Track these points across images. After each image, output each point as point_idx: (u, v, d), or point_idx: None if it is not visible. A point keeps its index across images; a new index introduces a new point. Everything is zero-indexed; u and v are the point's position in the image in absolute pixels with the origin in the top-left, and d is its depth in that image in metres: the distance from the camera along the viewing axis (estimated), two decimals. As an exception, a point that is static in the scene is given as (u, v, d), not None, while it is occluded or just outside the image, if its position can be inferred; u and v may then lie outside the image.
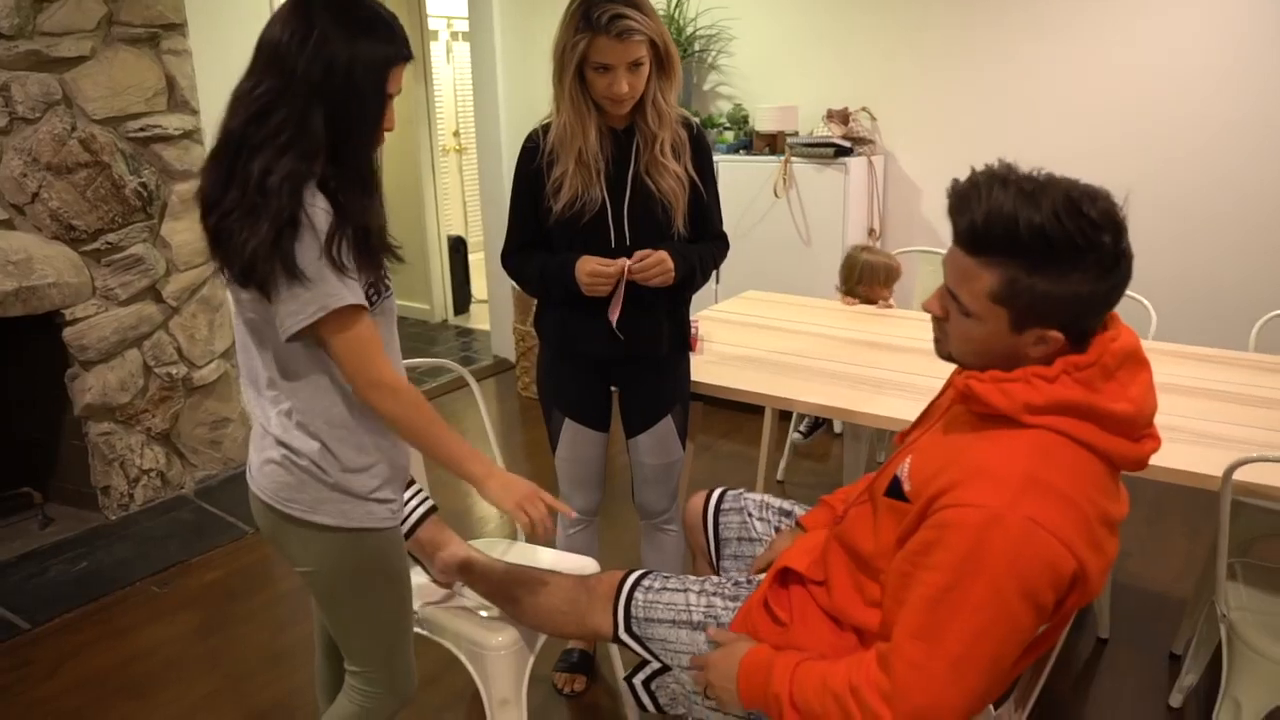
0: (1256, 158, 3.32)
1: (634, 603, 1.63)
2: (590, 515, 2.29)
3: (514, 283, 2.15)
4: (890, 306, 3.24)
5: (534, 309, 2.19)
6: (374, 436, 1.47)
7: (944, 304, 1.29)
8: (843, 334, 2.77)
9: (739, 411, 4.13)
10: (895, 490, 1.34)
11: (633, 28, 1.79)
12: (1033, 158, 3.72)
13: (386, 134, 1.43)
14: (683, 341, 2.16)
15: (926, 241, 3.93)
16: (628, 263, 1.92)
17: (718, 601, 1.58)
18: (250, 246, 1.28)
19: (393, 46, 1.36)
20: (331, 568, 1.49)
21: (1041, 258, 1.15)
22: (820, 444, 3.91)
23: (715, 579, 1.66)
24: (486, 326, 5.30)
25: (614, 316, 1.97)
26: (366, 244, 1.39)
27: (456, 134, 6.68)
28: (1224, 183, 3.41)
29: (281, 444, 1.45)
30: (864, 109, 3.95)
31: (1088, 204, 1.15)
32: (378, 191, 1.43)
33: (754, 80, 4.19)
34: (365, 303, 1.37)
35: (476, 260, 6.10)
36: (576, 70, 1.86)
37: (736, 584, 1.62)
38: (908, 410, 2.14)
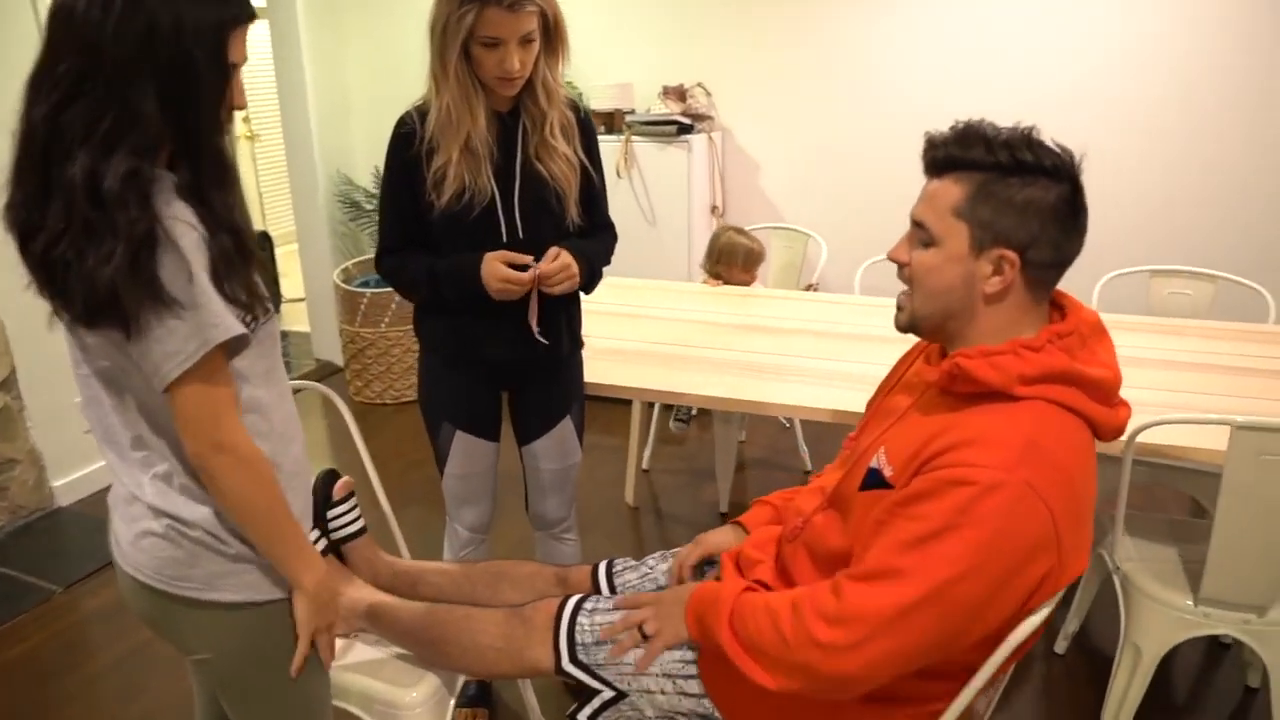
0: (1095, 124, 3.54)
1: (578, 629, 1.48)
2: (483, 532, 2.10)
3: (391, 286, 1.90)
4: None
5: (409, 312, 1.96)
6: (280, 476, 1.23)
7: (906, 249, 1.30)
8: (716, 318, 2.70)
9: (598, 401, 4.01)
10: (875, 481, 1.29)
11: None
12: (866, 130, 3.86)
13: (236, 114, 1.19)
14: (577, 339, 2.00)
15: (765, 217, 3.95)
16: (539, 269, 1.75)
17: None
18: (103, 276, 1.02)
19: (226, 6, 1.11)
20: (239, 651, 1.25)
21: (1009, 167, 1.20)
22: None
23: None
24: (305, 328, 4.88)
25: (534, 323, 1.79)
26: (240, 252, 1.15)
27: (248, 120, 6.10)
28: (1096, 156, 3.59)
29: (162, 513, 1.19)
30: (699, 85, 3.90)
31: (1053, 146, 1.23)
32: (237, 185, 1.19)
33: (583, 56, 4.03)
34: (246, 331, 1.13)
35: (287, 255, 5.60)
36: (462, 46, 1.66)
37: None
38: (815, 396, 2.10)
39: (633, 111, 3.83)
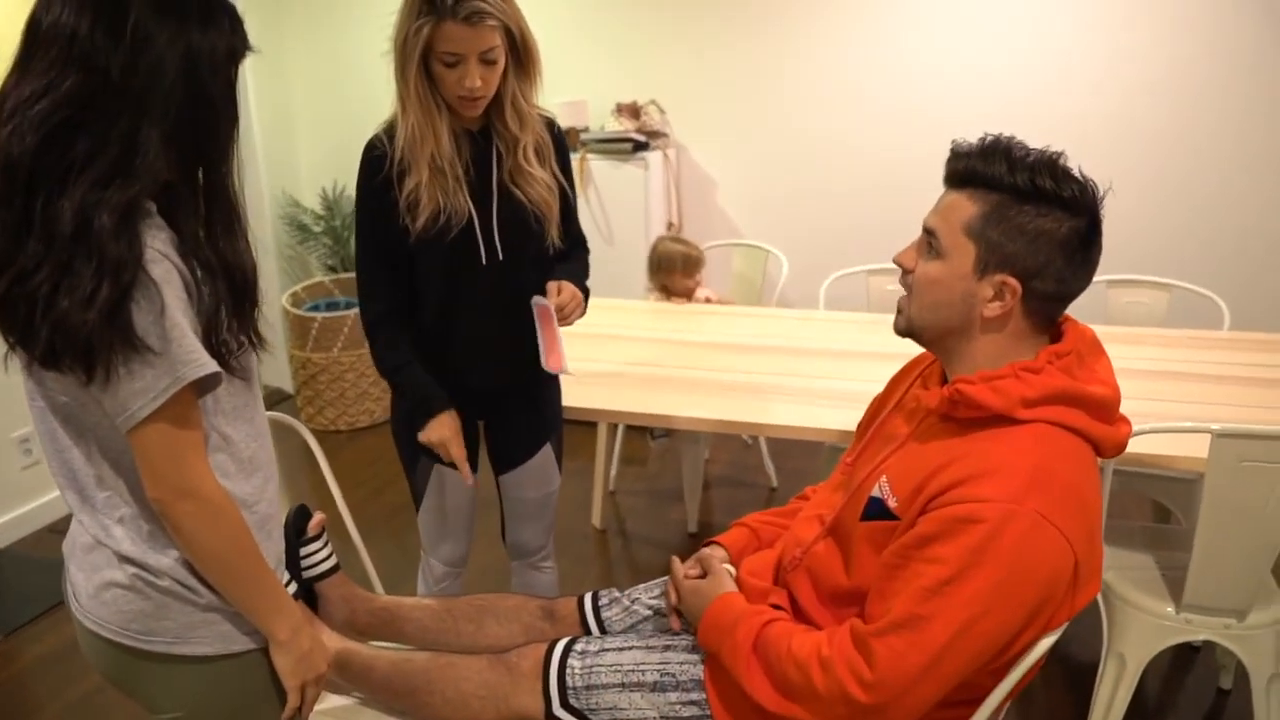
0: (1047, 136, 3.59)
1: (569, 671, 1.42)
2: (459, 566, 2.03)
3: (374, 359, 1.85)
4: (710, 299, 3.21)
5: (362, 336, 1.89)
6: (253, 518, 1.16)
7: (914, 255, 1.30)
8: (687, 337, 2.67)
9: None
10: (877, 511, 1.27)
11: (484, 10, 1.56)
12: (821, 144, 3.87)
13: None
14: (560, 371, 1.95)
15: (723, 233, 3.94)
16: (551, 306, 1.73)
17: (674, 657, 1.40)
18: (77, 321, 0.95)
19: (235, 34, 1.07)
20: (215, 708, 1.17)
21: (1026, 192, 1.19)
22: (639, 449, 3.81)
23: (662, 635, 1.48)
24: (249, 356, 4.72)
25: (555, 360, 1.75)
26: (246, 296, 1.10)
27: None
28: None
29: (128, 560, 1.11)
30: (653, 101, 3.88)
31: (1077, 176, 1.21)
32: (245, 225, 1.13)
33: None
34: (219, 369, 1.06)
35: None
36: (421, 62, 1.60)
37: (689, 635, 1.46)
38: (804, 415, 2.09)
39: (587, 129, 3.79)
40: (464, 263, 1.73)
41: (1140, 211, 3.54)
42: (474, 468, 1.92)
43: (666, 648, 1.42)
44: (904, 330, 1.31)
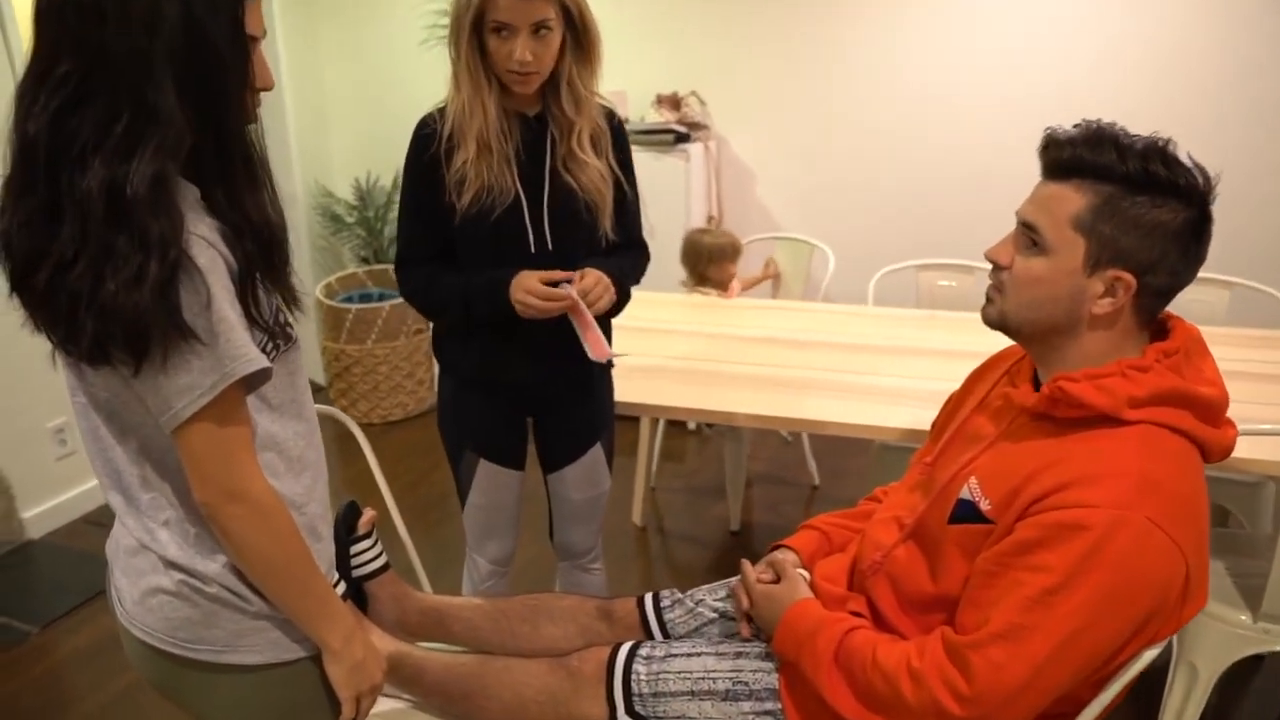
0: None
1: (634, 677, 1.37)
2: (505, 565, 1.98)
3: (412, 301, 1.77)
4: (734, 290, 3.16)
5: (396, 328, 1.84)
6: (302, 520, 1.11)
7: (1010, 250, 1.22)
8: (732, 331, 2.61)
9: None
10: (968, 514, 1.20)
11: None
12: (865, 136, 3.79)
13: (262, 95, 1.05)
14: (608, 359, 1.89)
15: (763, 227, 3.87)
16: (574, 291, 1.63)
17: (747, 665, 1.34)
18: (129, 303, 0.89)
19: None
20: (260, 716, 1.12)
21: (1139, 181, 1.11)
22: (678, 445, 3.75)
23: (731, 641, 1.42)
24: (281, 348, 4.69)
25: (598, 347, 1.68)
26: (274, 251, 1.03)
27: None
28: None
29: (175, 566, 1.06)
30: (693, 93, 3.81)
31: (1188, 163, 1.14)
32: (269, 179, 1.06)
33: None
34: (269, 364, 1.00)
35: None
36: (473, 33, 1.55)
37: (760, 642, 1.39)
38: (864, 413, 2.02)
39: (627, 120, 3.72)
40: (512, 249, 1.68)
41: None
42: (519, 465, 1.87)
43: (738, 655, 1.36)
44: (995, 323, 1.24)
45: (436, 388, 1.88)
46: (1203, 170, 1.13)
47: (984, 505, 1.18)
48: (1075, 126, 1.18)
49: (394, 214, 4.36)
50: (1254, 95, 3.28)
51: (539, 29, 1.53)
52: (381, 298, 4.00)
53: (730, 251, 3.12)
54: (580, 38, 1.61)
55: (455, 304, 1.69)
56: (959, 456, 1.31)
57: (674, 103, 3.75)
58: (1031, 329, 1.20)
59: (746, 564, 1.46)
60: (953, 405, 1.48)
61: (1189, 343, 1.18)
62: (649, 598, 1.58)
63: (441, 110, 1.66)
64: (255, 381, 1.00)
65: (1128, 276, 1.13)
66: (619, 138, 1.77)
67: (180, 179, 0.97)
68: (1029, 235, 1.18)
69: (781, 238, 3.47)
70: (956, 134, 3.62)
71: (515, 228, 1.66)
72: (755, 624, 1.41)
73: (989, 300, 1.25)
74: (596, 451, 1.88)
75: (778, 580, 1.41)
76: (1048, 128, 1.21)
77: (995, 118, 3.56)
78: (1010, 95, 3.52)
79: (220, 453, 0.98)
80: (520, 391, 1.79)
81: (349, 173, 4.33)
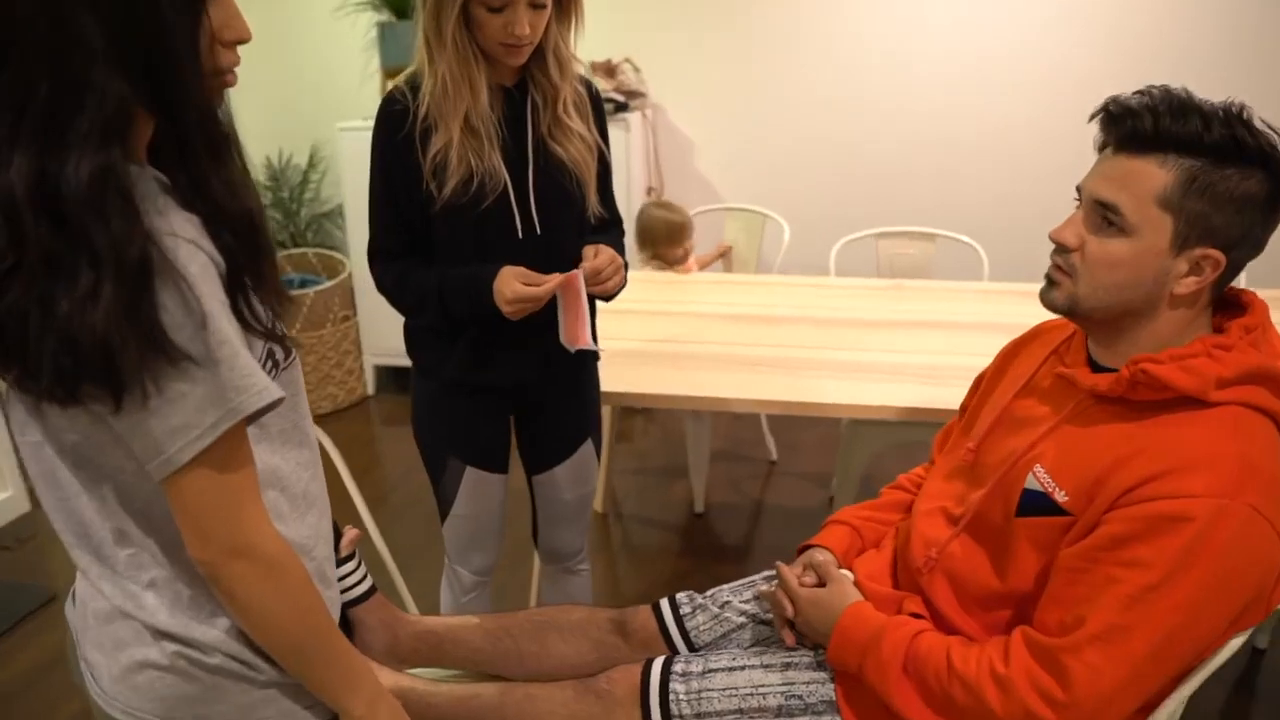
0: (1061, 96, 3.49)
1: (672, 697, 1.25)
2: (489, 575, 1.84)
3: (382, 294, 1.59)
4: (691, 266, 3.06)
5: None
6: (311, 565, 0.95)
7: (1079, 230, 1.12)
8: (704, 309, 2.50)
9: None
10: (1041, 506, 1.12)
11: None
12: (809, 100, 3.71)
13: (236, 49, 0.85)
14: (594, 351, 1.76)
15: (705, 198, 3.76)
16: (564, 276, 1.48)
17: (798, 676, 1.24)
18: (89, 325, 0.72)
19: None
20: None
21: (1228, 151, 1.03)
22: (628, 426, 3.64)
23: (772, 649, 1.32)
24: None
25: (579, 337, 1.52)
26: (254, 245, 0.85)
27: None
28: (1026, 123, 3.52)
29: (167, 635, 0.89)
30: (627, 60, 3.65)
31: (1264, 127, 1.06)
32: (239, 154, 0.87)
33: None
34: (282, 394, 0.84)
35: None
36: (462, 8, 1.39)
37: (807, 649, 1.30)
38: (858, 393, 1.94)
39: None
40: (498, 236, 1.53)
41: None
42: (504, 468, 1.72)
43: (787, 665, 1.26)
44: (1064, 308, 1.15)
45: (413, 391, 1.71)
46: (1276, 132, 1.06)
47: (1059, 496, 1.10)
48: (1139, 94, 1.09)
49: (310, 194, 4.11)
50: (1205, 55, 3.33)
51: (536, 1, 1.40)
52: (304, 284, 3.74)
53: (687, 228, 3.04)
54: (565, 1, 1.47)
55: (430, 304, 1.54)
56: (1009, 442, 1.23)
57: (609, 70, 3.59)
58: (1105, 313, 1.12)
59: (784, 567, 1.36)
60: (985, 384, 1.40)
61: (1265, 316, 1.12)
62: (665, 605, 1.46)
63: (413, 86, 1.48)
64: (261, 412, 0.83)
65: (1216, 254, 1.05)
66: (597, 105, 1.63)
67: (140, 168, 0.79)
68: (1105, 214, 1.09)
69: (734, 209, 3.37)
70: (903, 101, 3.58)
71: (502, 213, 1.51)
72: (799, 631, 1.31)
73: (1053, 283, 1.15)
74: (587, 448, 1.75)
75: (821, 583, 1.31)
76: (1112, 98, 1.11)
77: (945, 81, 3.53)
78: (962, 58, 3.49)
79: (222, 503, 0.81)
80: (504, 390, 1.65)
81: (259, 150, 4.03)
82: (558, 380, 1.68)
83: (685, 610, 1.45)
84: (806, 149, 3.72)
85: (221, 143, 0.84)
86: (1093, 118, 1.15)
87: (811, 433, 3.45)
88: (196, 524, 0.82)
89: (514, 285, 1.45)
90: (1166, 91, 1.08)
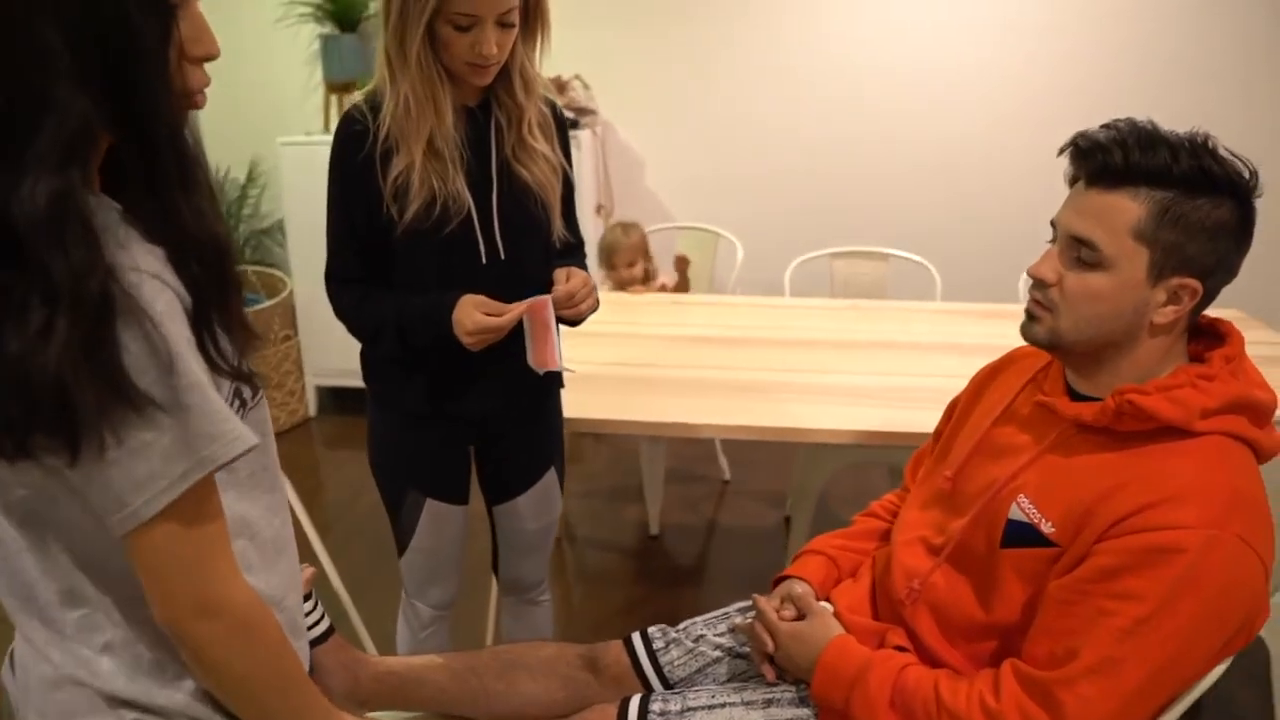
0: (1001, 111, 3.55)
1: None
2: (448, 609, 1.77)
3: (339, 319, 1.53)
4: (665, 286, 3.04)
5: (360, 360, 1.59)
6: (283, 618, 0.89)
7: (1055, 265, 1.13)
8: (666, 331, 2.48)
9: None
10: (1025, 536, 1.12)
11: None
12: (756, 121, 3.71)
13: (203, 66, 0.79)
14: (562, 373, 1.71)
15: (656, 217, 3.73)
16: (528, 303, 1.44)
17: (780, 713, 1.22)
18: (41, 367, 0.66)
19: None
20: None
21: (1197, 182, 1.04)
22: (576, 447, 3.58)
23: (751, 685, 1.29)
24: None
25: (548, 360, 1.47)
26: (222, 277, 0.79)
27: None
28: (975, 139, 3.58)
29: (126, 703, 0.83)
30: (577, 76, 3.62)
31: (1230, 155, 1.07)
32: (207, 181, 0.81)
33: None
34: (256, 440, 0.78)
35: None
36: (427, 27, 1.34)
37: (788, 684, 1.27)
38: (828, 417, 1.93)
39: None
40: (461, 262, 1.48)
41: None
42: (466, 498, 1.67)
43: (769, 702, 1.23)
44: (1046, 342, 1.15)
45: (369, 422, 1.64)
46: (1246, 161, 1.08)
47: (1046, 528, 1.09)
48: (1106, 127, 1.10)
49: (248, 209, 3.99)
50: (1156, 74, 3.43)
51: (505, 19, 1.36)
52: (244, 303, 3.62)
53: (629, 251, 3.03)
54: (531, 17, 1.44)
55: (387, 333, 1.48)
56: (990, 470, 1.22)
57: (559, 86, 3.55)
58: (1087, 345, 1.12)
59: (761, 600, 1.33)
60: (960, 410, 1.39)
61: (1242, 345, 1.13)
62: (637, 639, 1.42)
63: (373, 105, 1.43)
64: (233, 459, 0.77)
65: (1193, 282, 1.07)
66: (561, 125, 1.59)
67: (98, 199, 0.73)
68: (1080, 250, 1.09)
69: (686, 228, 3.35)
70: (857, 118, 3.62)
71: (465, 238, 1.46)
72: (779, 665, 1.28)
73: (1033, 318, 1.16)
74: (550, 476, 1.71)
75: (801, 616, 1.28)
76: (1080, 134, 1.11)
77: (897, 101, 3.57)
78: (913, 78, 3.54)
79: (189, 558, 0.75)
80: (466, 421, 1.59)
81: (193, 164, 3.89)
82: (520, 408, 1.63)
83: (659, 645, 1.41)
84: (759, 167, 3.73)
85: (191, 166, 0.77)
86: (1061, 152, 1.15)
87: (764, 450, 3.44)
88: (161, 582, 0.75)
89: (474, 316, 1.40)
90: (1133, 124, 1.09)
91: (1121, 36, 3.38)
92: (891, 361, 2.23)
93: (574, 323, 1.55)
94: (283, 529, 0.92)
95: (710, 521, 3.09)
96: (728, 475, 3.33)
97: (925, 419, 1.87)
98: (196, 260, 0.76)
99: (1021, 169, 3.56)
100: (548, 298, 1.45)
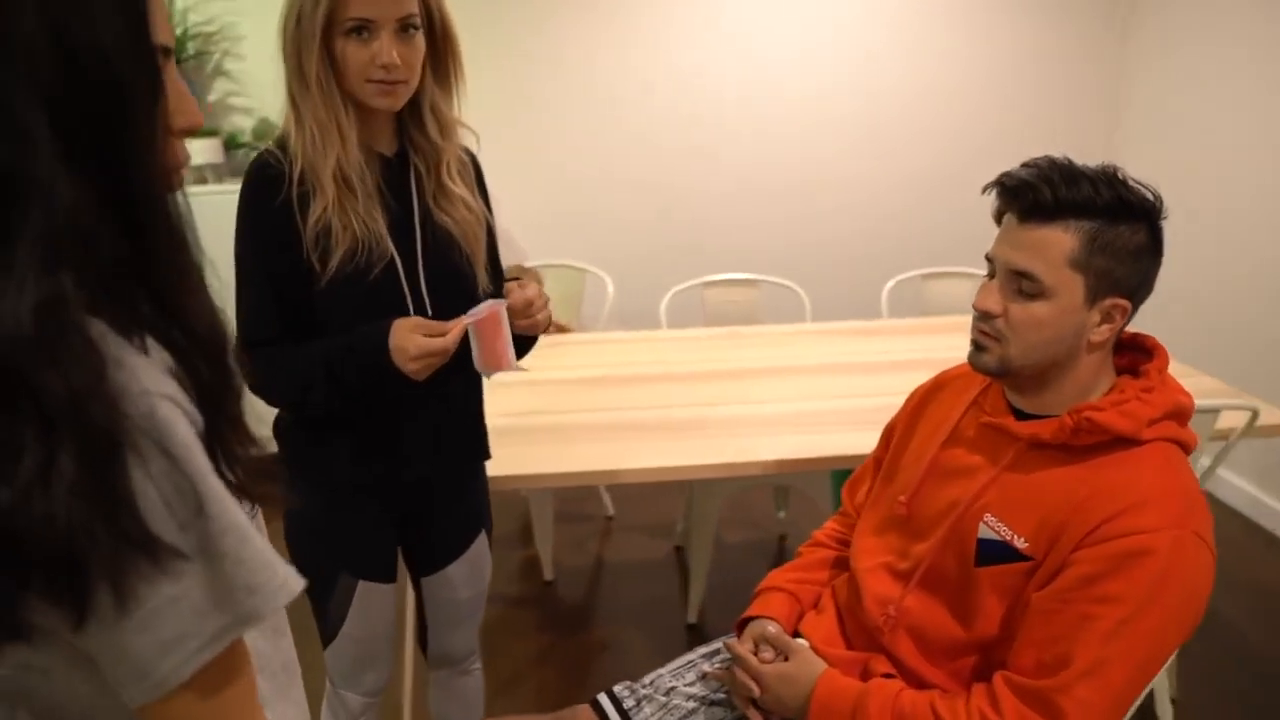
0: (852, 128, 3.72)
1: None
2: (378, 695, 1.65)
3: (256, 388, 1.35)
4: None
5: (274, 429, 1.45)
6: None
7: (998, 297, 1.19)
8: (554, 375, 2.42)
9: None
10: (999, 553, 1.17)
11: None
12: (610, 150, 3.72)
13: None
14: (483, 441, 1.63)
15: (513, 256, 3.68)
16: (479, 312, 1.35)
17: None
18: (38, 523, 0.54)
19: None
20: None
21: (1117, 210, 1.14)
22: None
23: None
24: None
25: (503, 360, 1.39)
26: (221, 369, 0.67)
27: None
28: (829, 162, 3.74)
29: None
30: (421, 117, 3.52)
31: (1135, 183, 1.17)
32: (202, 259, 0.68)
33: (276, 88, 3.45)
34: (303, 582, 0.67)
35: None
36: (323, 39, 1.26)
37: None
38: (742, 450, 1.94)
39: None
40: (387, 315, 1.36)
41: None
42: (395, 575, 1.56)
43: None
44: (996, 370, 1.21)
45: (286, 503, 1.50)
46: (1151, 188, 1.18)
47: (1019, 543, 1.15)
48: (1026, 166, 1.18)
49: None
50: (1007, 94, 3.73)
51: (405, 27, 1.28)
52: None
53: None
54: (440, 51, 1.37)
55: (318, 381, 1.34)
56: (947, 492, 1.27)
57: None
58: (1034, 369, 1.20)
59: (735, 644, 1.32)
60: (899, 435, 1.44)
61: (1167, 357, 1.23)
62: (606, 702, 1.38)
63: (283, 147, 1.33)
64: None
65: (1123, 301, 1.16)
66: (477, 169, 1.53)
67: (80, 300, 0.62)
68: (1022, 282, 1.16)
69: (551, 265, 3.31)
70: (717, 146, 3.70)
71: (391, 288, 1.37)
72: (765, 708, 1.27)
73: (981, 349, 1.22)
74: (482, 541, 1.63)
75: (780, 656, 1.28)
76: (1006, 173, 1.19)
77: (754, 126, 3.69)
78: (764, 105, 3.66)
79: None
80: (395, 490, 1.49)
81: None
82: (459, 475, 1.56)
83: (629, 704, 1.37)
84: (623, 201, 3.75)
85: (187, 248, 0.66)
86: (986, 190, 1.22)
87: (646, 484, 3.45)
88: None
89: (416, 340, 1.29)
90: (1052, 162, 1.17)
91: (967, 59, 3.66)
92: (786, 387, 2.29)
93: (529, 338, 1.49)
94: (289, 650, 0.82)
95: (597, 560, 3.06)
96: (611, 511, 3.31)
97: (839, 441, 1.95)
98: (204, 361, 0.65)
99: (875, 188, 3.77)
100: (501, 303, 1.37)
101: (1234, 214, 3.15)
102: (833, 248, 3.78)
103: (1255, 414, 1.89)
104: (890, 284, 3.10)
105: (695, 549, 2.61)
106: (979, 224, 3.72)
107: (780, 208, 3.76)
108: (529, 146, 3.66)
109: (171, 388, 0.61)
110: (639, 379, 2.37)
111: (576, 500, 3.40)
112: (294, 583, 0.65)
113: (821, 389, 2.27)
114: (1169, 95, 3.48)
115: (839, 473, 2.48)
